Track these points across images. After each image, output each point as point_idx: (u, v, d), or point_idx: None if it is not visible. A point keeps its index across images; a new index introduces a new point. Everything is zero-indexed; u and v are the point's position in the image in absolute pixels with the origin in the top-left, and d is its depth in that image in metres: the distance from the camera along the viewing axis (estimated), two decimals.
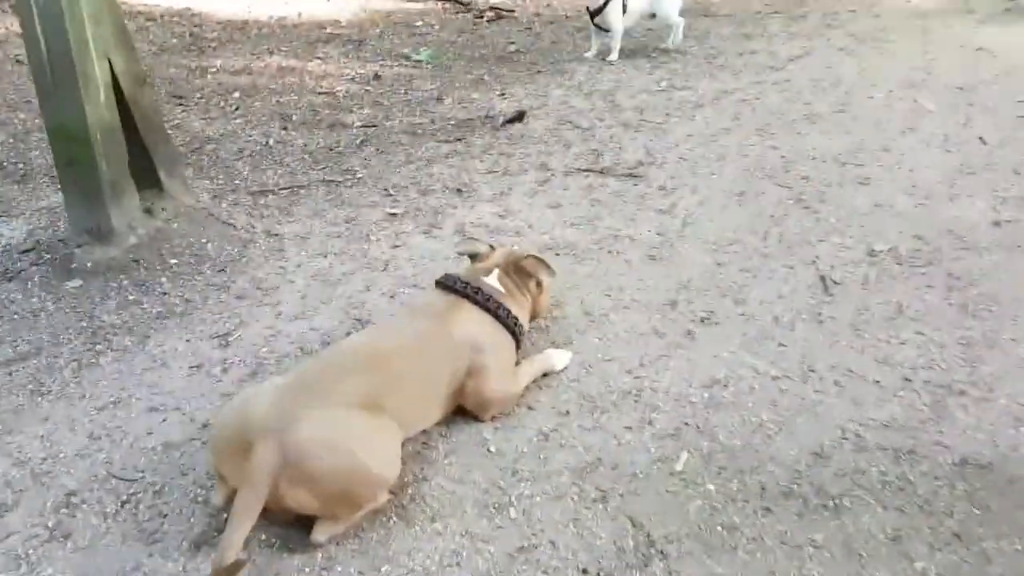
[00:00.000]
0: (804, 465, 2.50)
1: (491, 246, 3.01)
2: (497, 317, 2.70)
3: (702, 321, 3.17)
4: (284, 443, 2.13)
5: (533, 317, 3.00)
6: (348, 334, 3.10)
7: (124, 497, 2.42)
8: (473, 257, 2.99)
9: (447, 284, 2.75)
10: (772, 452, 2.55)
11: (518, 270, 2.88)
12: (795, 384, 2.83)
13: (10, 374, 3.00)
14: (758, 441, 2.59)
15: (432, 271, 3.45)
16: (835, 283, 3.40)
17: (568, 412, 2.72)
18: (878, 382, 2.84)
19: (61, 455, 2.60)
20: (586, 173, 4.44)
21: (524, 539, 2.28)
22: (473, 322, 2.66)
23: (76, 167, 3.56)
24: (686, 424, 2.67)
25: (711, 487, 2.43)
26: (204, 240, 3.79)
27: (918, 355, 2.94)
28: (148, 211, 3.87)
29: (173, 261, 3.65)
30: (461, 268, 2.96)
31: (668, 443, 2.59)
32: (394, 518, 2.33)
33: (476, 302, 2.69)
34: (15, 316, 3.34)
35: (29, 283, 3.56)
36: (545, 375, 2.88)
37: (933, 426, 2.63)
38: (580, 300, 3.31)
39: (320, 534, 2.23)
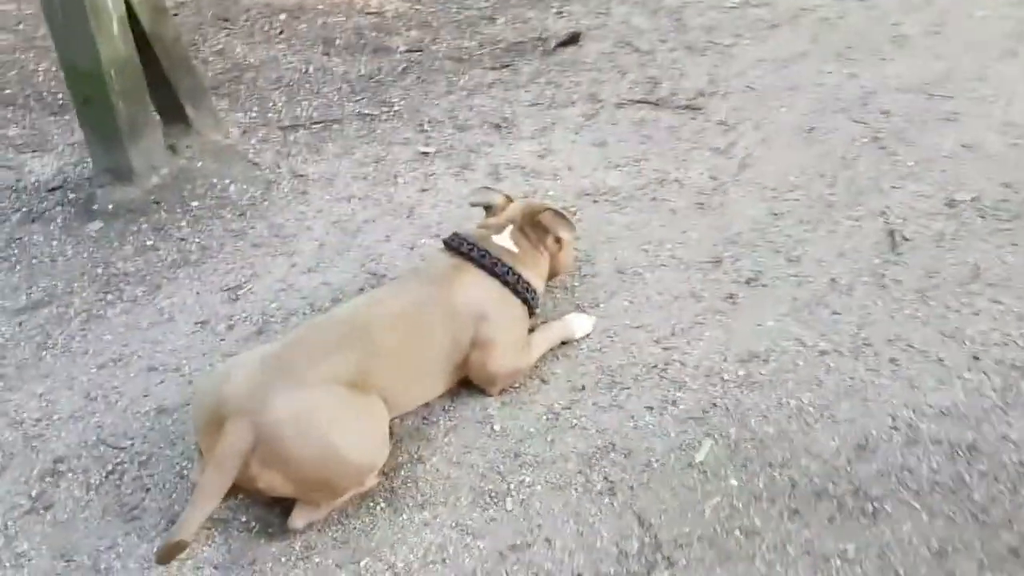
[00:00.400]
0: (844, 460, 2.21)
1: (507, 197, 2.74)
2: (506, 283, 2.45)
3: (747, 283, 2.85)
4: (257, 422, 1.97)
5: (553, 276, 2.72)
6: (361, 290, 2.91)
7: (110, 467, 2.33)
8: (489, 209, 2.73)
9: (452, 245, 2.51)
10: (808, 443, 2.27)
11: (534, 225, 2.60)
12: (845, 360, 2.52)
13: (20, 324, 2.93)
14: (794, 429, 2.31)
15: (457, 219, 3.21)
16: (905, 239, 3.01)
17: (584, 387, 2.48)
18: (941, 360, 2.50)
19: (56, 416, 2.52)
20: (639, 105, 4.07)
21: (518, 535, 2.08)
22: (478, 288, 2.41)
23: (92, 106, 3.41)
24: (714, 406, 2.40)
25: (733, 482, 2.17)
26: (227, 181, 3.63)
27: (992, 328, 2.57)
28: (172, 148, 3.73)
29: (194, 203, 3.50)
30: (474, 224, 2.70)
31: (691, 428, 2.33)
32: (381, 504, 2.17)
33: (482, 266, 2.44)
34: (33, 260, 3.27)
35: (51, 224, 3.48)
36: (564, 343, 2.63)
37: (1000, 416, 2.30)
38: (614, 256, 3.02)
39: (298, 519, 2.08)
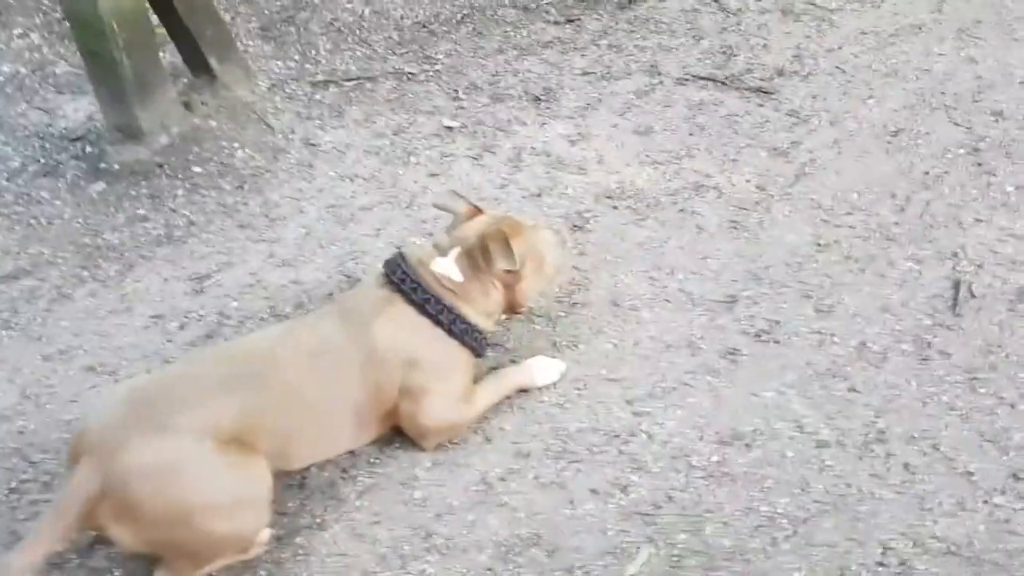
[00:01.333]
0: None
1: (475, 207, 2.34)
2: (438, 323, 2.11)
3: (758, 336, 2.42)
4: (107, 468, 1.77)
5: (511, 311, 2.36)
6: (330, 295, 2.66)
7: (14, 483, 2.22)
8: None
9: (387, 271, 2.18)
10: (768, 569, 1.89)
11: (484, 249, 2.19)
12: (846, 459, 2.09)
13: None
14: (756, 547, 1.93)
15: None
16: (972, 295, 2.47)
17: (530, 454, 2.17)
18: (970, 474, 2.03)
19: None
20: (703, 83, 3.54)
21: None
22: (405, 329, 2.10)
23: (97, 60, 3.24)
24: (670, 499, 2.04)
25: None
26: (236, 145, 3.41)
27: None
28: (187, 105, 3.53)
29: (197, 169, 3.31)
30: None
31: (634, 526, 1.99)
32: None
33: (412, 302, 2.11)
34: (31, 221, 3.18)
35: (60, 181, 3.37)
36: (525, 390, 2.31)
37: None
38: (614, 282, 2.63)
39: None
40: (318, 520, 2.05)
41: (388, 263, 2.19)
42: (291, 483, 2.13)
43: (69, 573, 1.99)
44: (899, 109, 3.25)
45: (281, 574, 1.96)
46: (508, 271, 2.18)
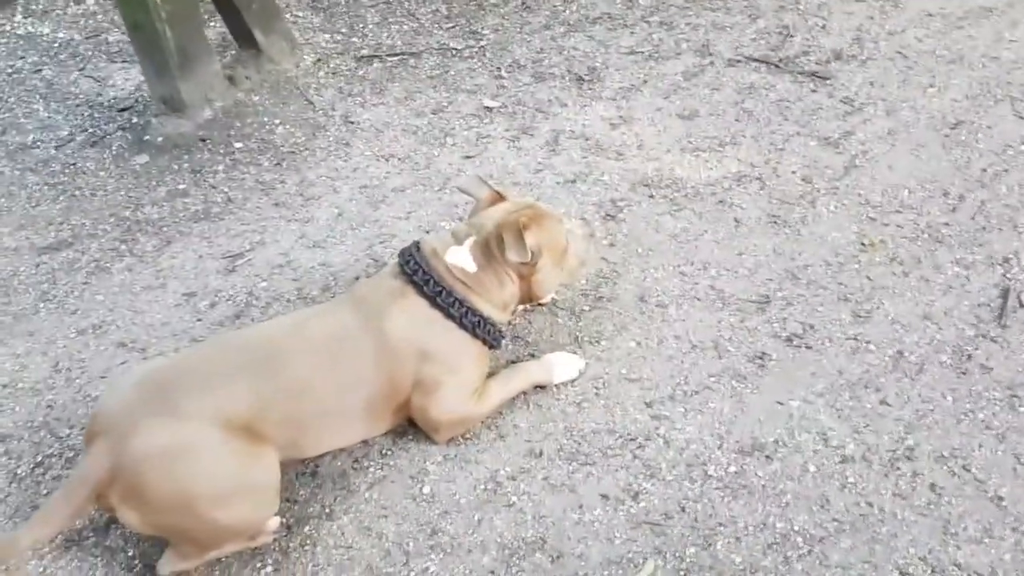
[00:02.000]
0: None
1: (497, 193, 2.28)
2: (450, 316, 2.08)
3: (789, 340, 2.33)
4: (117, 451, 1.79)
5: (527, 302, 2.30)
6: (356, 278, 2.65)
7: (40, 457, 2.26)
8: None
9: (402, 261, 2.15)
10: None
11: (500, 239, 2.12)
12: (871, 476, 2.00)
13: (37, 265, 2.91)
14: (768, 565, 1.87)
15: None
16: (1020, 305, 2.34)
17: (542, 453, 2.13)
18: (1000, 499, 1.93)
19: (20, 385, 2.48)
20: (756, 65, 3.41)
21: None
22: (418, 322, 2.06)
23: (140, 32, 3.26)
24: (682, 510, 1.98)
25: None
26: (277, 121, 3.41)
27: None
28: (231, 79, 3.54)
29: (238, 145, 3.32)
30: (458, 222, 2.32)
31: (642, 536, 1.94)
32: (269, 567, 1.97)
33: (423, 293, 2.08)
34: (76, 192, 3.23)
35: (106, 152, 3.42)
36: (542, 387, 2.27)
37: None
38: (643, 275, 2.56)
39: (165, 565, 1.92)
40: (327, 510, 2.06)
41: (402, 253, 2.15)
42: (303, 471, 2.13)
43: (86, 551, 2.03)
44: (961, 99, 3.08)
45: (287, 563, 1.96)
46: (522, 263, 2.12)
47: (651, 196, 2.84)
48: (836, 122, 3.06)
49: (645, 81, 3.39)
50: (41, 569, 1.99)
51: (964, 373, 2.19)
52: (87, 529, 2.07)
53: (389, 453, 2.17)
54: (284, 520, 2.03)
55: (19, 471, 2.24)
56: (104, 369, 2.48)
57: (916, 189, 2.74)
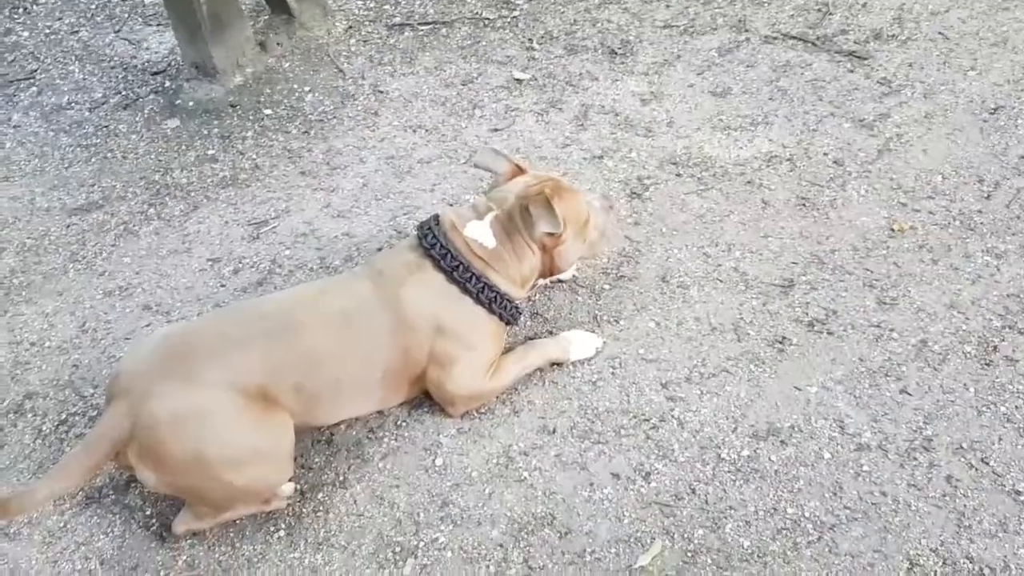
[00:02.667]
0: None
1: (517, 166, 2.27)
2: (466, 291, 2.08)
3: (811, 325, 2.30)
4: (135, 412, 1.83)
5: (547, 276, 2.28)
6: (379, 249, 2.65)
7: (64, 415, 2.31)
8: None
9: (420, 234, 2.15)
10: (784, 574, 1.82)
11: (524, 213, 2.12)
12: (887, 466, 1.98)
13: (68, 226, 2.96)
14: (776, 549, 1.86)
15: None
16: None
17: (555, 430, 2.13)
18: (1017, 494, 1.90)
19: (48, 344, 2.53)
20: (793, 43, 3.34)
21: None
22: (434, 296, 2.07)
23: None
24: (693, 492, 1.98)
25: None
26: (307, 88, 3.42)
27: None
28: (262, 45, 3.55)
29: (267, 112, 3.34)
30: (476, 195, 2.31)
31: (651, 516, 1.94)
32: (282, 531, 2.00)
33: (440, 268, 2.08)
34: (108, 154, 3.27)
35: (138, 115, 3.46)
36: (559, 364, 2.26)
37: None
38: (666, 255, 2.53)
39: (180, 524, 1.97)
40: (340, 478, 2.08)
41: (421, 226, 2.15)
42: (318, 439, 2.16)
43: (105, 508, 2.07)
44: (1002, 84, 3.00)
45: (300, 528, 1.99)
46: (550, 234, 2.11)
47: (678, 175, 2.81)
48: (872, 104, 2.99)
49: (678, 56, 3.34)
50: (61, 524, 2.04)
51: (988, 364, 2.15)
52: (107, 487, 2.12)
53: (404, 424, 2.18)
54: (298, 486, 2.06)
55: (44, 428, 2.29)
56: (128, 331, 2.52)
57: (950, 175, 2.68)
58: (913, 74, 3.09)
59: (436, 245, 2.08)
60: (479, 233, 2.12)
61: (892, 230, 2.53)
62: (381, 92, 3.37)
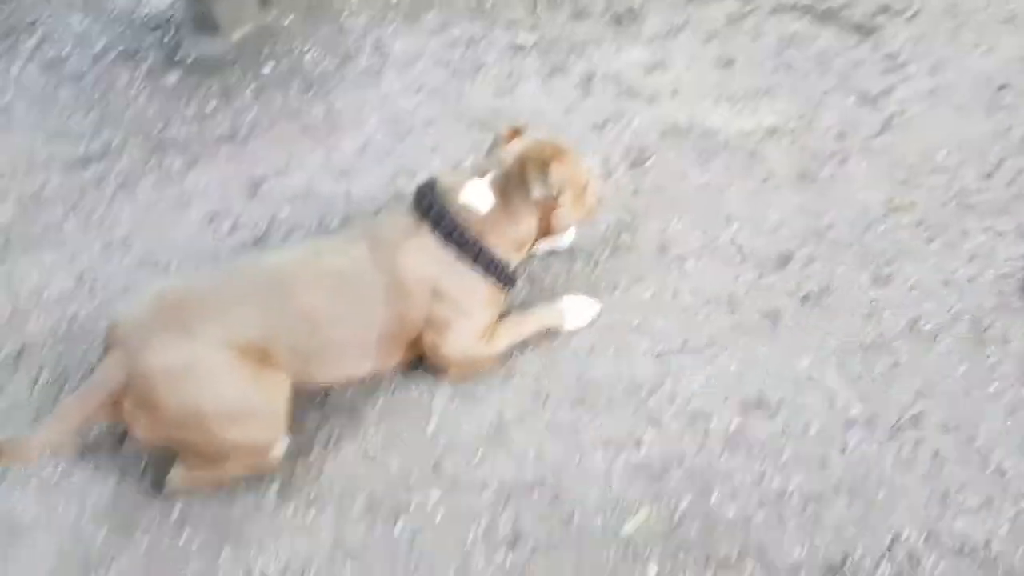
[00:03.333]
0: None
1: (514, 129, 2.28)
2: (462, 255, 2.08)
3: (805, 299, 2.31)
4: (130, 363, 1.85)
5: (544, 237, 2.27)
6: (376, 212, 2.65)
7: (60, 369, 2.33)
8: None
9: (417, 196, 2.15)
10: (769, 544, 1.85)
11: (522, 175, 2.12)
12: (874, 439, 2.00)
13: (67, 178, 2.95)
14: (760, 520, 1.89)
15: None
16: None
17: (548, 397, 2.15)
18: (1002, 472, 1.93)
19: (45, 295, 2.54)
20: (800, 15, 3.30)
21: (387, 573, 1.88)
22: (429, 259, 2.07)
23: None
24: (680, 461, 2.00)
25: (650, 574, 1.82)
26: (307, 47, 3.39)
27: None
28: (263, 1, 3.51)
29: (266, 70, 3.31)
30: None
31: (639, 485, 1.97)
32: (275, 488, 2.03)
33: (437, 231, 2.08)
34: (108, 105, 3.25)
35: (138, 69, 3.42)
36: (554, 330, 2.28)
37: None
38: (665, 226, 2.54)
39: (174, 477, 1.99)
40: (334, 439, 2.10)
41: (419, 189, 2.15)
42: (313, 400, 2.17)
43: (100, 461, 2.10)
44: (1010, 61, 2.98)
45: (292, 487, 2.02)
46: (547, 196, 2.11)
47: (680, 145, 2.80)
48: (876, 78, 2.97)
49: (685, 24, 3.31)
50: (56, 479, 2.06)
51: (979, 345, 2.16)
52: (103, 441, 2.14)
53: (399, 388, 2.20)
54: (291, 446, 2.07)
55: (40, 379, 2.30)
56: (125, 285, 2.53)
57: (953, 152, 2.67)
58: (919, 49, 3.07)
59: (433, 208, 2.08)
60: (476, 195, 2.12)
61: (891, 206, 2.53)
62: (383, 52, 3.34)
